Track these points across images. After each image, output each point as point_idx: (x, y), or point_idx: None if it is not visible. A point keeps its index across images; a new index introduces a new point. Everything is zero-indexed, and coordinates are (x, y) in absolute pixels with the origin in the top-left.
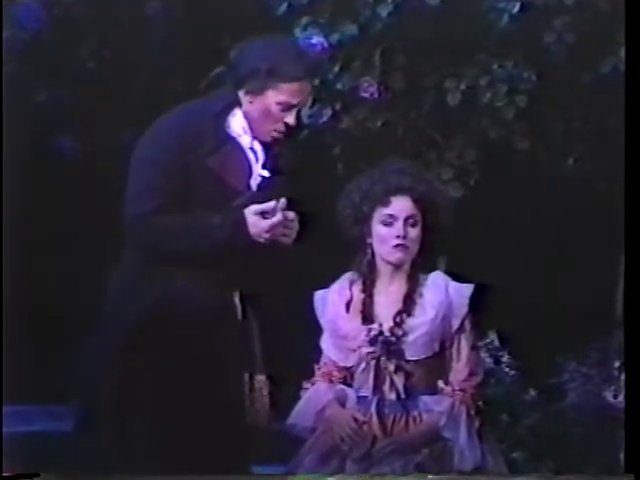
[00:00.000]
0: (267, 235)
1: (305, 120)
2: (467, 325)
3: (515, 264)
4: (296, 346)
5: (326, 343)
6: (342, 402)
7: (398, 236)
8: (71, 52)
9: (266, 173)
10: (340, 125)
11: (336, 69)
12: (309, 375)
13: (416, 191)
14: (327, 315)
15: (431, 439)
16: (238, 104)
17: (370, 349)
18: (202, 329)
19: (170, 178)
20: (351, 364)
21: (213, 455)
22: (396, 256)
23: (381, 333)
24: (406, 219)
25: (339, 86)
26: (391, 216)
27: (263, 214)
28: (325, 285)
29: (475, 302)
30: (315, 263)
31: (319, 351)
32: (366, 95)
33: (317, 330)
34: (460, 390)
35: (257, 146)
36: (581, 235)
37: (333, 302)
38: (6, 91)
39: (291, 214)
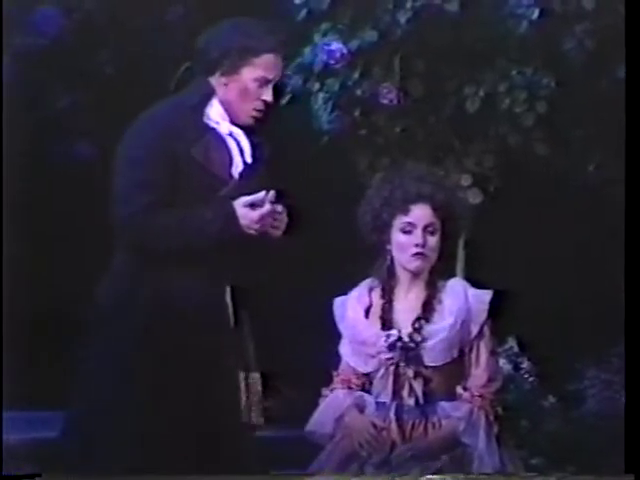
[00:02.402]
0: (257, 226)
1: (325, 126)
2: (486, 331)
3: (534, 270)
4: (315, 353)
5: (345, 349)
6: (361, 408)
7: (417, 244)
8: (90, 58)
9: (249, 159)
10: (359, 131)
11: (355, 75)
12: (328, 382)
13: (436, 199)
14: (346, 321)
15: (450, 445)
16: (213, 92)
17: (389, 355)
18: (198, 327)
19: (156, 174)
20: (370, 370)
21: (214, 456)
22: (415, 264)
23: (400, 339)
24: (425, 227)
25: (358, 92)
26: (410, 224)
27: (252, 206)
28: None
29: (494, 308)
30: (307, 258)
31: (338, 357)
32: (385, 101)
33: (336, 337)
34: (479, 396)
35: (237, 131)
36: (602, 241)
37: (352, 308)
38: (25, 96)
39: (279, 207)
